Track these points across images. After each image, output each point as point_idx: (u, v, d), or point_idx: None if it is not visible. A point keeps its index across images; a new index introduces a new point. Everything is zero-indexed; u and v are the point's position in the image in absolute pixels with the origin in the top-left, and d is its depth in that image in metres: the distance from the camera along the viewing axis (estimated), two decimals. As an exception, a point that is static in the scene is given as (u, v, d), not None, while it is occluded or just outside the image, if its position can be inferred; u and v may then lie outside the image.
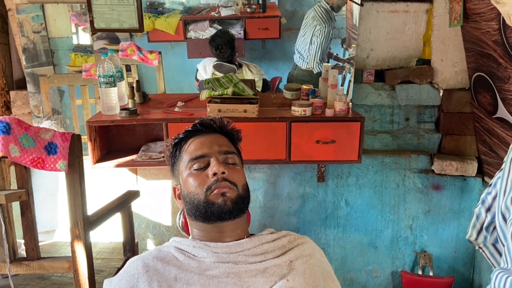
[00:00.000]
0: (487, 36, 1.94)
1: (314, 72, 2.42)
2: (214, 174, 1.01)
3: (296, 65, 2.48)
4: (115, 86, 2.05)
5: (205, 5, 2.43)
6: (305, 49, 2.42)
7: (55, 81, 2.35)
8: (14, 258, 1.59)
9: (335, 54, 2.50)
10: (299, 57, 2.45)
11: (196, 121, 1.12)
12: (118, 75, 2.14)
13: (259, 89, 2.39)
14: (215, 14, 2.42)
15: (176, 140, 1.12)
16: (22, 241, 1.65)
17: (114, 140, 2.27)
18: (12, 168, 1.70)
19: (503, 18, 1.72)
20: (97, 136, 2.11)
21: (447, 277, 2.44)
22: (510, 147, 1.20)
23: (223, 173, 1.01)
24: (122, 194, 1.94)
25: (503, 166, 1.21)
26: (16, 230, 1.64)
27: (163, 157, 2.11)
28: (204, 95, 2.06)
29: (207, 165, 1.04)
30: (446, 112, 2.39)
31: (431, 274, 2.48)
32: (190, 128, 1.11)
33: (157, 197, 2.45)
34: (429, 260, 2.51)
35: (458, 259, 2.53)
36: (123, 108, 2.08)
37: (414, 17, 2.29)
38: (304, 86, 2.23)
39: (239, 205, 1.01)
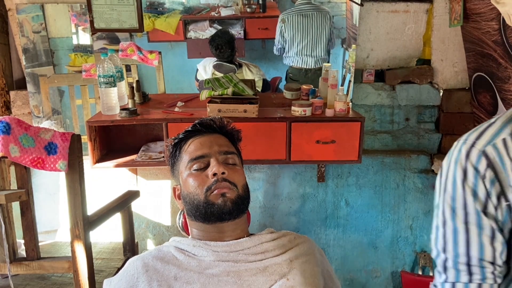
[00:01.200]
0: (487, 36, 1.94)
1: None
2: (214, 174, 1.01)
3: (308, 68, 2.48)
4: (115, 86, 2.05)
5: (205, 5, 2.43)
6: (325, 49, 2.45)
7: (55, 81, 2.35)
8: (14, 258, 1.59)
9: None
10: (314, 61, 2.45)
11: (196, 121, 1.12)
12: (118, 75, 2.14)
13: (259, 89, 2.39)
14: (215, 14, 2.42)
15: (176, 140, 1.11)
16: (22, 241, 1.65)
17: (114, 140, 2.27)
18: (12, 168, 1.70)
19: (503, 18, 1.72)
20: (97, 136, 2.10)
21: (447, 277, 2.44)
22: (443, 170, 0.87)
23: (223, 173, 1.01)
24: (122, 194, 1.94)
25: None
26: (16, 230, 1.64)
27: (163, 157, 2.10)
28: (204, 95, 2.06)
29: (207, 166, 1.03)
30: (446, 112, 2.39)
31: (431, 274, 2.48)
32: (190, 128, 1.11)
33: (157, 197, 2.45)
34: (429, 260, 2.51)
35: (458, 259, 2.53)
36: (123, 108, 2.08)
37: (414, 17, 2.29)
38: (304, 86, 2.23)
39: (239, 205, 1.01)
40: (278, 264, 0.99)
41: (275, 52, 2.46)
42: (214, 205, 0.99)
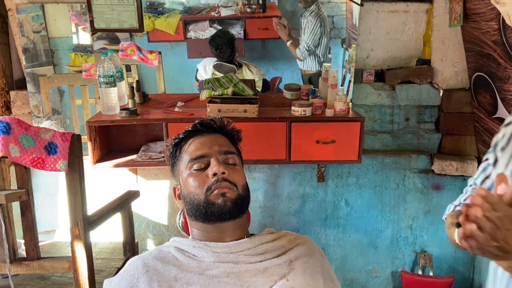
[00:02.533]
0: (487, 36, 1.94)
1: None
2: (214, 174, 1.01)
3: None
4: (115, 86, 2.05)
5: (205, 5, 2.43)
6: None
7: (55, 81, 2.35)
8: (14, 258, 1.59)
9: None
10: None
11: (196, 121, 1.12)
12: (118, 75, 2.14)
13: (259, 89, 2.39)
14: (215, 14, 2.42)
15: (176, 140, 1.12)
16: (22, 241, 1.65)
17: (114, 140, 2.27)
18: (12, 168, 1.70)
19: (503, 18, 1.72)
20: (97, 136, 2.11)
21: (447, 277, 2.44)
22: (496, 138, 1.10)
23: (223, 173, 1.01)
24: (122, 194, 1.94)
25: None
26: (16, 230, 1.64)
27: (163, 157, 2.11)
28: (204, 95, 2.06)
29: (207, 165, 1.04)
30: (446, 112, 2.39)
31: (431, 274, 2.48)
32: (190, 128, 1.11)
33: (157, 197, 2.45)
34: (429, 260, 2.51)
35: (458, 259, 2.53)
36: (123, 108, 2.08)
37: (414, 17, 2.29)
38: (304, 86, 2.23)
39: (239, 205, 1.01)
40: (278, 265, 0.99)
41: (304, 57, 2.41)
42: (214, 205, 0.99)
